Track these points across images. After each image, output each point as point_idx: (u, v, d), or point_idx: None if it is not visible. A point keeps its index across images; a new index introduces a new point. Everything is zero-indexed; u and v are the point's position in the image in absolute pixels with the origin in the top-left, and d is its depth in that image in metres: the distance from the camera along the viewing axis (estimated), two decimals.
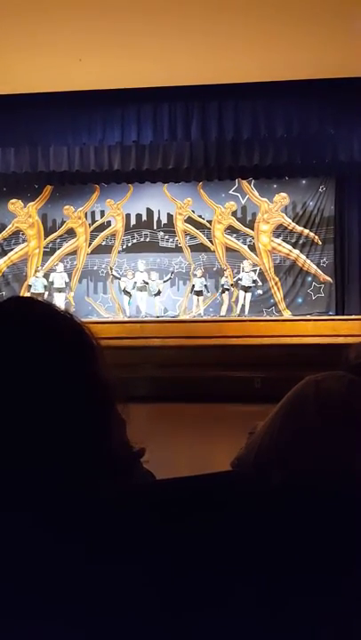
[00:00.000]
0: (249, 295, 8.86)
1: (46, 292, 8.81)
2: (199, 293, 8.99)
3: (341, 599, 0.41)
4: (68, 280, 9.15)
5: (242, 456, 0.76)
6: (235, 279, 9.03)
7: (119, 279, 9.12)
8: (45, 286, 8.94)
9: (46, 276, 9.16)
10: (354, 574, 0.42)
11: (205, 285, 9.02)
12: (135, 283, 8.97)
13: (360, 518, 0.44)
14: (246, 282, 8.84)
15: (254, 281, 8.92)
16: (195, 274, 9.16)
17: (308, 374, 0.72)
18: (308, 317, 8.55)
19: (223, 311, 8.91)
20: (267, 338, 7.02)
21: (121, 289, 9.12)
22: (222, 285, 9.03)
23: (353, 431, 0.64)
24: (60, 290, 8.99)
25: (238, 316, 8.72)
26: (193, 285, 9.03)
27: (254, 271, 9.03)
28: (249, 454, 0.73)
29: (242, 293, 8.85)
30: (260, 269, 9.27)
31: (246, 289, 8.84)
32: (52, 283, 9.06)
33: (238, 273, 9.08)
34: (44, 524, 0.42)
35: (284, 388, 0.74)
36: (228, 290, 8.92)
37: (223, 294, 8.97)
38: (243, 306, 8.83)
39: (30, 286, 8.90)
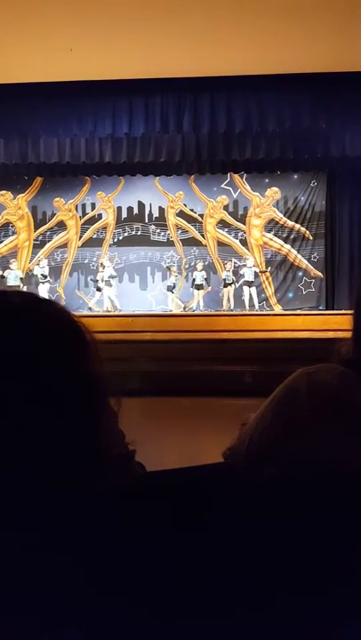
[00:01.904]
0: (254, 290, 8.91)
1: (21, 285, 8.73)
2: (200, 287, 9.01)
3: (337, 593, 0.42)
4: (46, 274, 9.09)
5: (234, 447, 0.77)
6: (238, 274, 9.07)
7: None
8: (22, 278, 8.88)
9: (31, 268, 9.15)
10: (349, 567, 0.42)
11: (205, 279, 9.04)
12: (103, 277, 8.95)
13: (352, 509, 0.44)
14: (249, 277, 8.88)
15: (256, 275, 8.97)
16: (195, 267, 9.16)
17: (299, 368, 0.73)
18: (299, 312, 8.59)
19: (225, 305, 8.92)
20: (257, 332, 7.04)
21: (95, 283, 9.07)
22: (224, 279, 9.03)
23: (344, 423, 0.64)
24: (39, 283, 8.94)
25: (247, 310, 8.74)
26: (194, 279, 9.04)
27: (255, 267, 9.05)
28: (241, 445, 0.73)
29: (246, 289, 8.89)
30: (246, 264, 9.29)
31: (250, 284, 8.87)
32: (34, 276, 9.03)
33: (228, 268, 9.08)
34: (38, 521, 0.42)
35: (275, 382, 0.75)
36: (231, 284, 8.93)
37: (226, 288, 8.96)
38: (250, 300, 8.87)
39: (4, 278, 8.81)
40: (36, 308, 0.50)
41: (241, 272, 8.98)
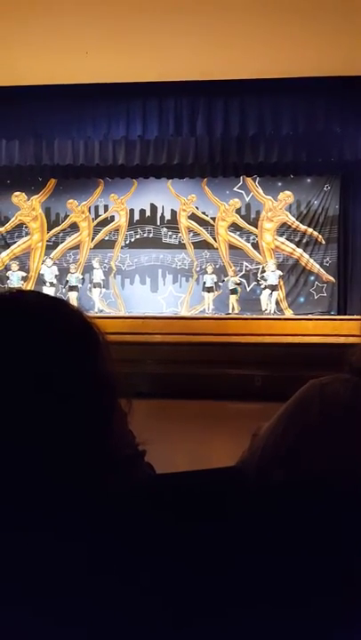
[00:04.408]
0: (275, 294, 8.88)
1: (23, 285, 8.82)
2: (210, 290, 9.01)
3: (341, 598, 0.41)
4: (57, 274, 9.18)
5: (245, 458, 0.76)
6: (260, 278, 9.06)
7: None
8: (24, 277, 9.00)
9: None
10: (354, 573, 0.42)
11: (215, 282, 9.05)
12: (78, 277, 9.04)
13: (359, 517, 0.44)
14: (272, 281, 8.85)
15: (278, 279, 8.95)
16: (205, 270, 9.18)
17: (308, 373, 0.72)
18: (310, 317, 8.54)
19: (265, 307, 8.88)
20: (268, 336, 7.01)
21: (66, 282, 9.08)
22: (260, 282, 9.00)
23: (356, 435, 0.63)
24: (51, 284, 9.02)
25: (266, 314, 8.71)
26: (204, 282, 9.07)
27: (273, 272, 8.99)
28: (253, 456, 0.73)
29: (267, 291, 8.84)
30: (263, 268, 9.27)
31: (274, 287, 8.84)
32: (42, 276, 9.12)
33: (273, 269, 9.01)
34: (44, 521, 0.42)
35: (285, 387, 0.74)
36: (267, 287, 8.91)
37: (265, 290, 8.92)
38: (268, 304, 8.83)
39: (8, 278, 8.92)
40: (51, 308, 0.50)
41: (265, 275, 8.95)
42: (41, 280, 9.25)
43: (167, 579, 0.41)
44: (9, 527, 0.42)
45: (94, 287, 9.17)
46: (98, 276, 9.17)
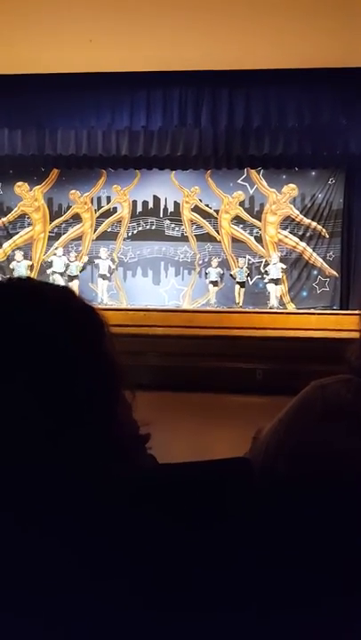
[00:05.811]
0: (279, 288, 8.86)
1: (29, 275, 8.83)
2: (215, 283, 9.00)
3: (344, 593, 0.41)
4: (68, 263, 9.18)
5: None
6: (263, 271, 9.04)
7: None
8: (31, 266, 9.02)
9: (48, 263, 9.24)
10: (354, 569, 0.42)
11: (221, 275, 9.03)
12: (79, 266, 9.07)
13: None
14: (275, 274, 8.82)
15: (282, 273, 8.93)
16: (210, 264, 9.16)
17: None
18: (313, 311, 8.52)
19: (272, 302, 8.86)
20: (270, 330, 7.01)
21: (66, 268, 9.05)
22: (263, 275, 8.97)
23: (359, 435, 0.63)
24: (55, 273, 9.02)
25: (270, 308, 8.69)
26: (207, 274, 9.06)
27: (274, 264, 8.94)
28: (255, 459, 0.72)
29: (272, 286, 8.83)
30: (266, 261, 9.24)
31: (276, 281, 8.81)
32: (50, 265, 9.13)
33: (275, 261, 8.96)
34: (47, 512, 0.41)
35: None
36: (270, 281, 8.87)
37: (269, 284, 8.91)
38: (274, 297, 8.80)
39: (13, 270, 8.93)
40: (57, 296, 0.50)
41: (268, 269, 8.94)
42: (44, 271, 9.24)
43: (169, 571, 0.41)
44: (10, 518, 0.41)
45: (102, 279, 9.13)
46: (104, 267, 9.12)
